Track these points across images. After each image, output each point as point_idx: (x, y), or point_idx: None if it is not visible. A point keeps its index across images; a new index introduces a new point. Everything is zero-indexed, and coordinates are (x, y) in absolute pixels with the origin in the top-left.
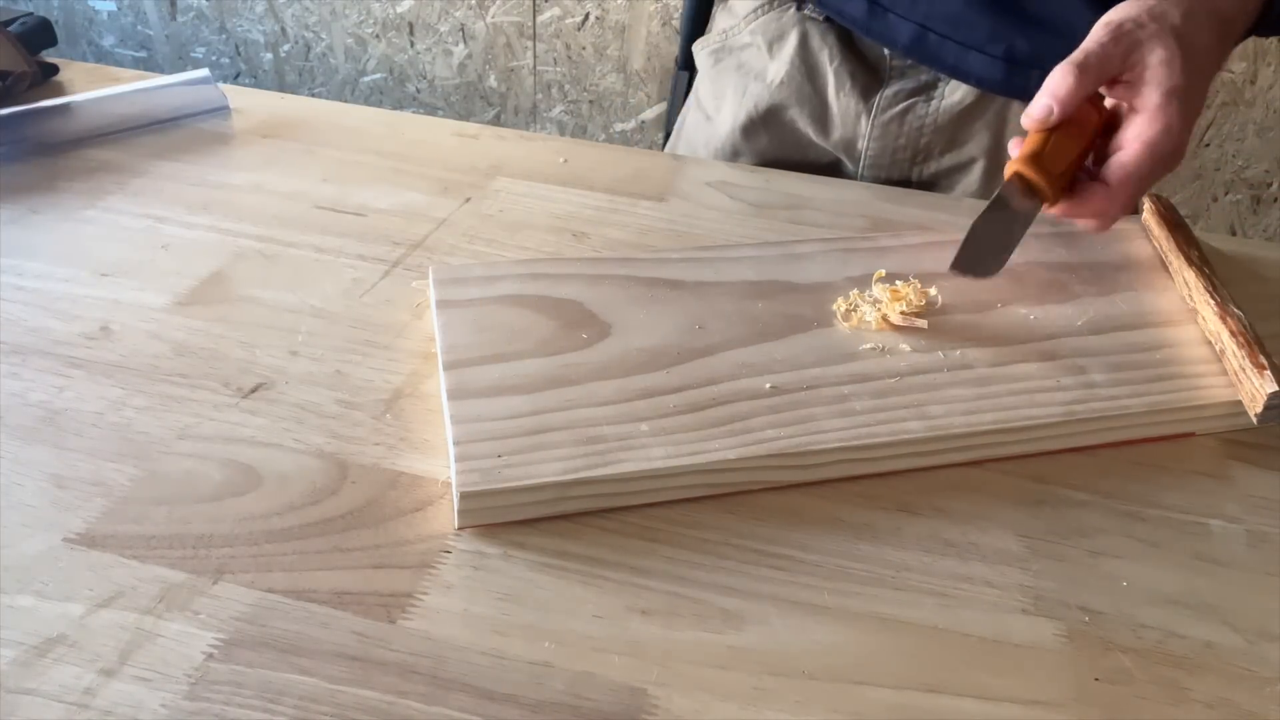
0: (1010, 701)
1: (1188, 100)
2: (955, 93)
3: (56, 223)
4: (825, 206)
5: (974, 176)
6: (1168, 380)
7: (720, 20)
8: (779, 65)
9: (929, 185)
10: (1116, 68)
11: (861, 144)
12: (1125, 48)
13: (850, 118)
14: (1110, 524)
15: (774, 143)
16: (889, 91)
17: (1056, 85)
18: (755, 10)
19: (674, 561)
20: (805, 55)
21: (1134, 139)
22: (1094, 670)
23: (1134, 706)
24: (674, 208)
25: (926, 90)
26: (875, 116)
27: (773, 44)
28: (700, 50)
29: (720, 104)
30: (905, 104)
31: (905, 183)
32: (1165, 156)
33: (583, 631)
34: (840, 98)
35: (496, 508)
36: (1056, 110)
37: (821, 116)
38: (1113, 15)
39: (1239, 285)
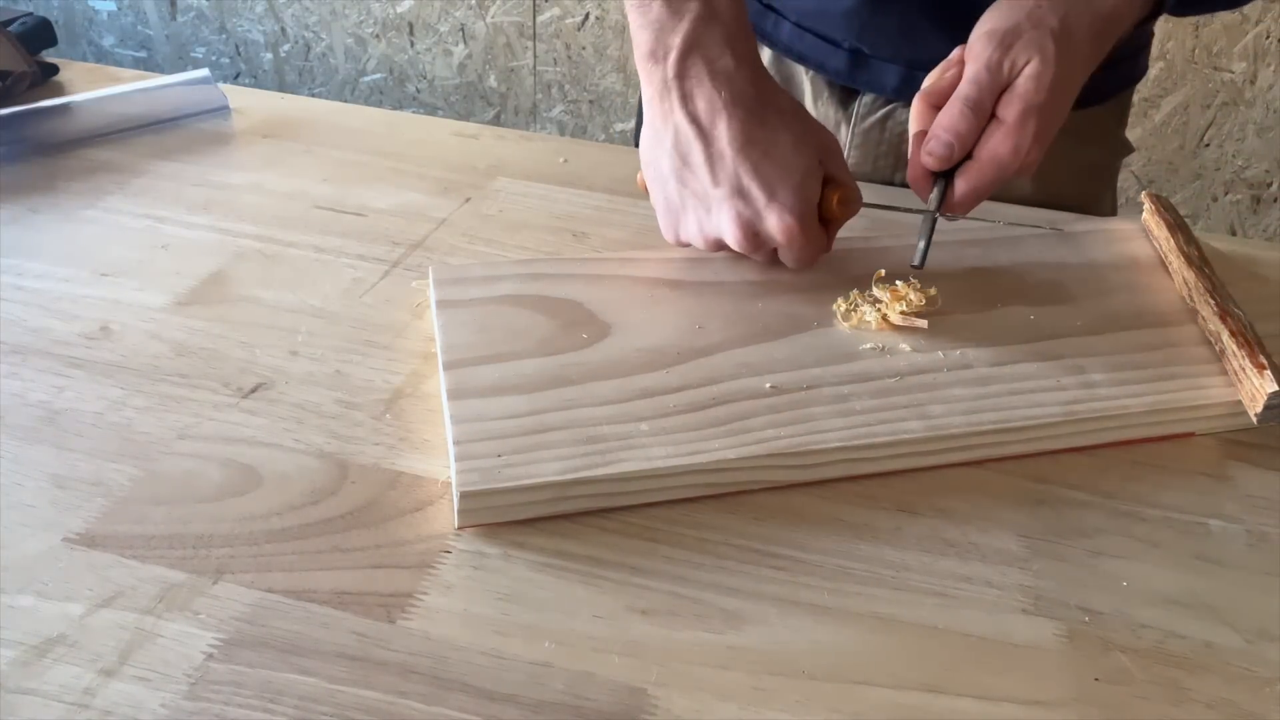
0: (1010, 701)
1: (1045, 118)
2: None
3: (56, 223)
4: None
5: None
6: (1168, 380)
7: None
8: None
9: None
10: (1004, 80)
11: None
12: (1007, 56)
13: (829, 126)
14: (1110, 524)
15: None
16: (867, 98)
17: (957, 124)
18: None
19: (674, 561)
20: (779, 66)
21: (986, 154)
22: (1094, 670)
23: (1134, 706)
24: None
25: (905, 95)
26: (855, 125)
27: None
28: None
29: None
30: (885, 110)
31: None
32: (1009, 172)
33: (583, 631)
34: (818, 106)
35: (496, 508)
36: (957, 148)
37: None
38: (993, 23)
39: (1239, 285)
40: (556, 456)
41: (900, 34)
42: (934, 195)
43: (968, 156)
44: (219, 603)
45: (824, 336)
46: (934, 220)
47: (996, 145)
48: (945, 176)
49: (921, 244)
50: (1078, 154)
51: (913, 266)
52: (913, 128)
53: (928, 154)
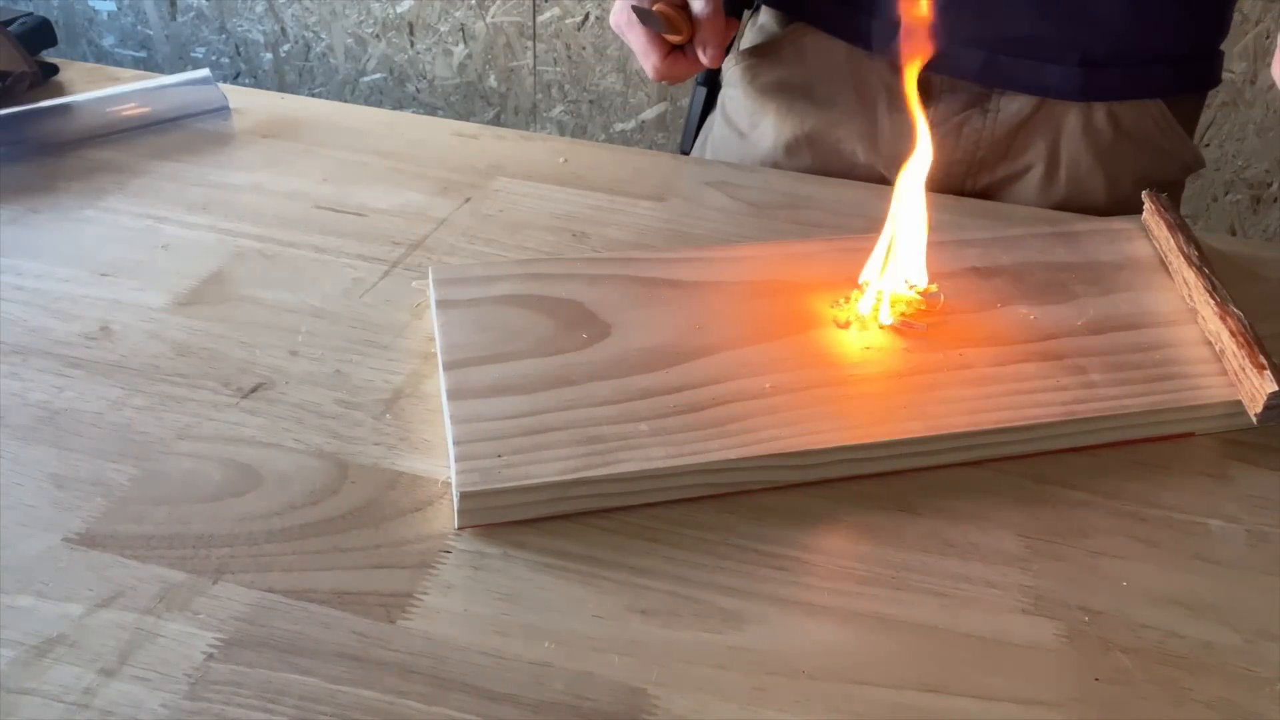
0: (1010, 701)
1: None
2: (1013, 103)
3: (56, 223)
4: (825, 206)
5: (1030, 185)
6: (1168, 380)
7: (753, 36)
8: (825, 85)
9: (982, 196)
10: None
11: None
12: None
13: (902, 134)
14: (1110, 524)
15: (818, 161)
16: (942, 105)
17: None
18: (794, 28)
19: (674, 561)
20: (853, 73)
21: None
22: (1094, 670)
23: (1134, 706)
24: (674, 208)
25: (981, 102)
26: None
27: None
28: (731, 65)
29: (758, 120)
30: (960, 116)
31: (958, 195)
32: None
33: (583, 631)
34: (892, 115)
35: (496, 508)
36: None
37: (871, 134)
38: None
39: (1239, 285)
40: (556, 457)
41: (978, 14)
42: None
43: None
44: (219, 603)
45: (824, 336)
46: None
47: None
48: None
49: None
50: (1151, 165)
51: None
52: None
53: None
